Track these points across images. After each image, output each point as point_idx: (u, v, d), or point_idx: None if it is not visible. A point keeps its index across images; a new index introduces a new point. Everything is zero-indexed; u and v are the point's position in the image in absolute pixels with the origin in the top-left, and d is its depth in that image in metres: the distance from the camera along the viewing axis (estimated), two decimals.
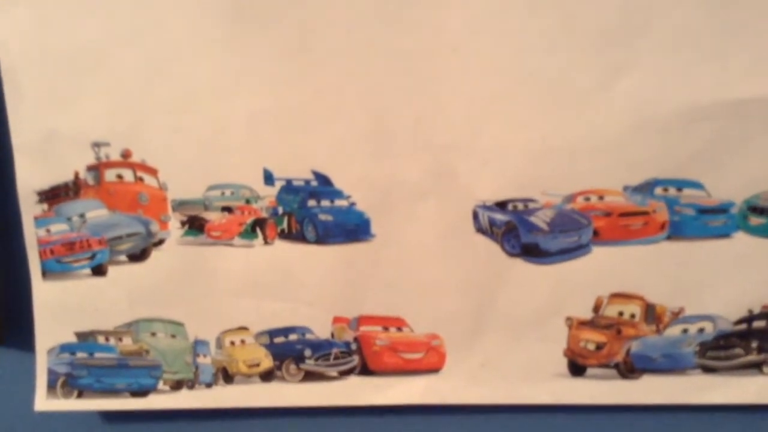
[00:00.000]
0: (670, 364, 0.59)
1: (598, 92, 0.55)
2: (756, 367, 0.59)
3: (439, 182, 0.58)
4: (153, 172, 0.60)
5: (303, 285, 0.61)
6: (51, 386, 0.62)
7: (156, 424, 0.64)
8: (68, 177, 0.60)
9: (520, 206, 0.58)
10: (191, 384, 0.62)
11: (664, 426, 0.60)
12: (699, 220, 0.57)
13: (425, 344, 0.61)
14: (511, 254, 0.59)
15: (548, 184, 0.57)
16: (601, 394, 0.60)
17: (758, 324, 0.58)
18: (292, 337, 0.62)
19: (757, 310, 0.58)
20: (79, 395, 0.62)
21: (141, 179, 0.60)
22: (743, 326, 0.58)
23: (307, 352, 0.62)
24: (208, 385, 0.62)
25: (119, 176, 0.60)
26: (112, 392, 0.62)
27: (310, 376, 0.62)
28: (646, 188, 0.57)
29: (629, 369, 0.60)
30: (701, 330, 0.59)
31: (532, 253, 0.59)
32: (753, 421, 0.58)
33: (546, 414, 0.61)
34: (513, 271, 0.59)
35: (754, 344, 0.58)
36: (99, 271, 0.61)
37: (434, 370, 0.61)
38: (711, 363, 0.59)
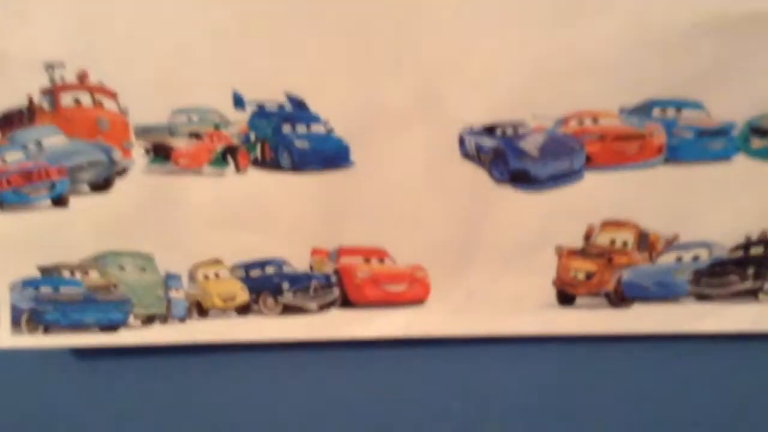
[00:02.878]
0: (662, 293, 0.58)
1: (594, 9, 0.51)
2: (752, 294, 0.57)
3: (423, 105, 0.54)
4: (112, 95, 0.55)
5: (279, 216, 0.58)
6: (15, 322, 0.59)
7: (129, 359, 0.62)
8: (21, 102, 0.55)
9: (510, 131, 0.55)
10: (164, 318, 0.60)
11: (655, 355, 0.58)
12: (698, 143, 0.54)
13: (408, 276, 0.59)
14: (500, 182, 0.56)
15: (540, 106, 0.54)
16: (590, 323, 0.58)
17: (756, 250, 0.56)
18: (269, 269, 0.59)
19: (755, 237, 0.56)
20: (46, 331, 0.59)
21: (100, 103, 0.56)
22: (740, 253, 0.56)
23: (285, 285, 0.59)
24: (182, 320, 0.60)
25: (76, 101, 0.56)
26: (80, 328, 0.60)
27: (288, 310, 0.60)
28: (643, 110, 0.54)
29: (620, 298, 0.58)
30: (696, 257, 0.57)
31: (521, 180, 0.56)
32: (748, 349, 0.57)
33: (534, 345, 0.59)
34: (501, 199, 0.56)
35: (751, 271, 0.56)
36: (60, 202, 0.58)
37: (418, 302, 0.59)
38: (705, 291, 0.57)
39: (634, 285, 0.58)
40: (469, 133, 0.55)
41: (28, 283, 0.59)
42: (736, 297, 0.57)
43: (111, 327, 0.60)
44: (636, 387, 0.59)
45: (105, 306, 0.59)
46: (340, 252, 0.59)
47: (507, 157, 0.55)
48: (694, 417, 0.58)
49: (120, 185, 0.57)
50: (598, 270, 0.58)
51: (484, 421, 0.61)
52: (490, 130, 0.55)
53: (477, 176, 0.56)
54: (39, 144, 0.57)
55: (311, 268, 0.59)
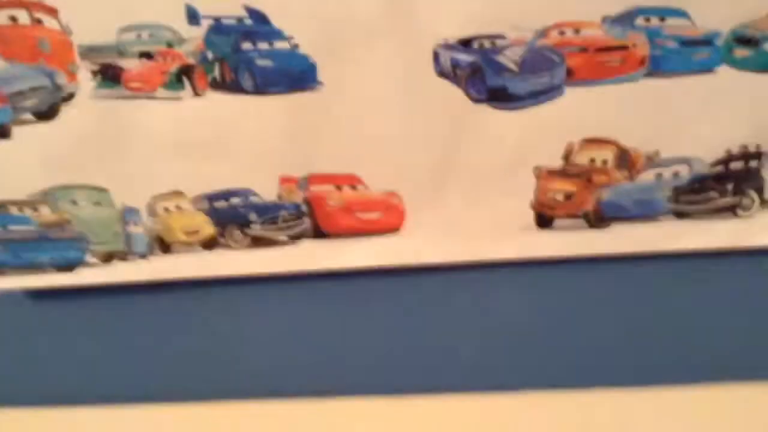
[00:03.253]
0: (641, 211, 0.57)
1: None
2: (730, 210, 0.56)
3: (395, 18, 0.51)
4: (53, 12, 0.52)
5: (242, 142, 0.55)
6: None
7: (89, 300, 0.59)
8: None
9: (487, 44, 0.52)
10: (123, 255, 0.57)
11: (635, 275, 0.58)
12: (681, 53, 0.53)
13: (383, 203, 0.57)
14: (476, 100, 0.54)
15: (519, 16, 0.51)
16: (569, 245, 0.57)
17: (735, 165, 0.55)
18: (235, 200, 0.56)
19: (735, 151, 0.54)
20: None
21: (39, 21, 0.52)
22: (720, 168, 0.55)
23: (253, 216, 0.57)
24: (143, 256, 0.58)
25: (12, 18, 0.52)
26: (34, 268, 0.57)
27: (257, 242, 0.58)
28: (626, 19, 0.52)
29: (599, 218, 0.57)
30: (676, 174, 0.56)
31: (499, 97, 0.53)
32: (727, 265, 0.57)
33: (512, 269, 0.58)
34: (478, 118, 0.54)
35: (730, 186, 0.56)
36: (1, 132, 0.54)
37: (393, 230, 0.58)
38: (684, 208, 0.56)
39: (614, 204, 0.57)
40: (444, 48, 0.52)
41: None
42: (715, 213, 0.56)
43: (68, 266, 0.57)
44: (616, 308, 0.59)
45: (60, 244, 0.56)
46: (310, 179, 0.56)
47: (484, 73, 0.53)
48: (674, 334, 0.58)
49: (66, 112, 0.54)
50: (577, 190, 0.56)
51: (459, 349, 0.60)
52: (466, 44, 0.52)
53: (453, 94, 0.54)
54: None
55: (279, 197, 0.57)
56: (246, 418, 0.61)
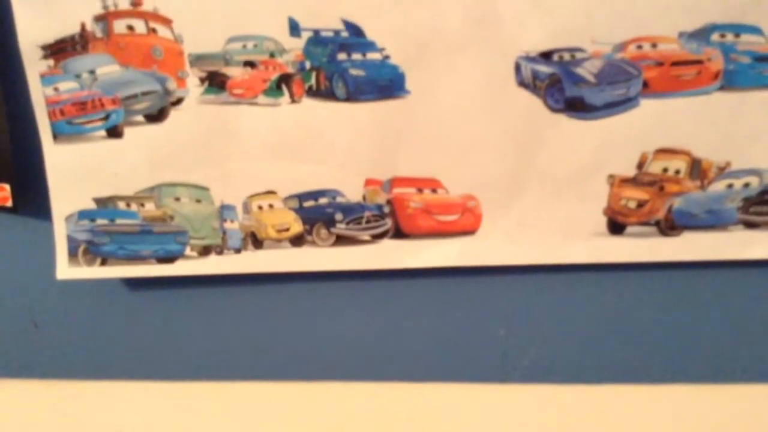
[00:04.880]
0: (712, 221, 0.58)
1: None
2: None
3: (480, 30, 0.54)
4: (167, 22, 0.55)
5: (333, 146, 0.57)
6: (72, 254, 0.60)
7: (183, 290, 0.62)
8: (74, 29, 0.55)
9: (567, 56, 0.55)
10: (219, 249, 0.60)
11: (703, 283, 0.59)
12: (755, 68, 0.54)
13: (461, 206, 0.59)
14: (555, 110, 0.56)
15: (600, 31, 0.53)
16: (640, 251, 0.59)
17: None
18: (322, 200, 0.59)
19: None
20: (103, 263, 0.60)
21: (154, 30, 0.55)
22: None
23: (338, 216, 0.60)
24: (237, 251, 0.60)
25: (130, 27, 0.55)
26: (137, 259, 0.60)
27: (341, 241, 0.60)
28: (702, 34, 0.53)
29: (670, 226, 0.59)
30: (747, 185, 0.57)
31: (576, 107, 0.56)
32: None
33: (583, 273, 0.60)
34: (555, 127, 0.56)
35: None
36: (114, 132, 0.57)
37: (470, 231, 0.60)
38: (754, 219, 0.58)
39: (685, 213, 0.58)
40: (525, 59, 0.55)
41: (84, 215, 0.59)
42: None
43: (168, 258, 0.60)
44: (684, 314, 0.60)
45: (162, 237, 0.59)
46: (394, 182, 0.59)
47: (563, 84, 0.55)
48: (743, 343, 0.59)
49: (174, 116, 0.57)
50: (650, 198, 0.58)
51: (529, 349, 0.62)
52: (546, 56, 0.54)
53: (532, 104, 0.56)
54: (92, 73, 0.56)
55: (364, 198, 0.59)
56: (323, 401, 0.64)
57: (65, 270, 0.60)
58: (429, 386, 0.63)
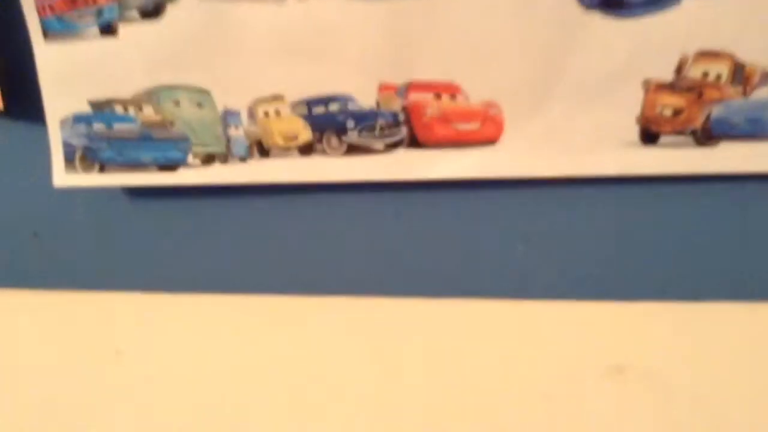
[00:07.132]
0: (752, 130, 0.54)
1: None
2: None
3: None
4: None
5: (344, 46, 0.54)
6: (69, 160, 0.57)
7: (185, 200, 0.60)
8: None
9: None
10: (224, 158, 0.58)
11: (739, 197, 0.56)
12: None
13: (481, 113, 0.55)
14: (588, 7, 0.51)
15: None
16: (674, 163, 0.55)
17: None
18: (333, 107, 0.56)
19: None
20: (102, 170, 0.57)
21: None
22: None
23: (350, 124, 0.56)
24: (242, 159, 0.58)
25: None
26: (137, 166, 0.57)
27: (353, 150, 0.57)
28: None
29: (707, 136, 0.55)
30: None
31: (612, 4, 0.51)
32: None
33: (613, 186, 0.57)
34: (588, 27, 0.52)
35: None
36: (108, 30, 0.54)
37: (490, 141, 0.56)
38: None
39: (724, 121, 0.54)
40: None
41: (80, 119, 0.56)
42: None
43: (169, 166, 0.58)
44: (717, 231, 0.57)
45: (162, 144, 0.57)
46: (410, 87, 0.55)
47: None
48: None
49: (172, 12, 0.54)
50: (687, 105, 0.54)
51: (549, 266, 0.59)
52: None
53: (563, 0, 0.51)
54: None
55: (378, 104, 0.56)
56: (329, 313, 0.63)
57: (62, 177, 0.58)
58: (443, 302, 0.61)
